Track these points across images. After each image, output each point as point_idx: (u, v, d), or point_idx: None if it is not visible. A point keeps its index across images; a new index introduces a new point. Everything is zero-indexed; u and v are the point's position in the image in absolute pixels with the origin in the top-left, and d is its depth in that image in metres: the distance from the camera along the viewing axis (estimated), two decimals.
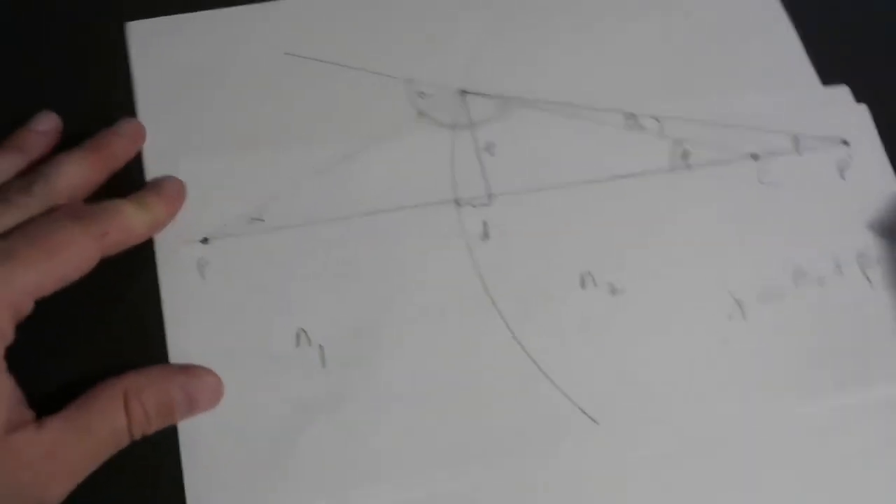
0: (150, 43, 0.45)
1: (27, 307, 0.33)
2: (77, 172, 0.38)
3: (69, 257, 0.34)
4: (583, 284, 0.40)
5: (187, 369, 0.36)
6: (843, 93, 0.46)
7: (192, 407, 0.36)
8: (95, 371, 0.35)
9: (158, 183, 0.40)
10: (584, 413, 0.38)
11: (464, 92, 0.45)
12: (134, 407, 0.34)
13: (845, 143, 0.45)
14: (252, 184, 0.41)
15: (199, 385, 0.36)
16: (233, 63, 0.45)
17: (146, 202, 0.38)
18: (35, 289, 0.33)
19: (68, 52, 0.45)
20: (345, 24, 0.46)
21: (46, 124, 0.41)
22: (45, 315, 0.34)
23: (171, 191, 0.40)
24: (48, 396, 0.34)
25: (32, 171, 0.37)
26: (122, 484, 0.35)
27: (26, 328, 0.34)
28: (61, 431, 0.32)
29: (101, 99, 0.43)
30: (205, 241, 0.40)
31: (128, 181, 0.40)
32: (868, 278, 0.42)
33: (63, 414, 0.33)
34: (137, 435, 0.34)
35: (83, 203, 0.37)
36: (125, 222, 0.36)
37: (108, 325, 0.38)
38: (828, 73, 0.47)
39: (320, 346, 0.38)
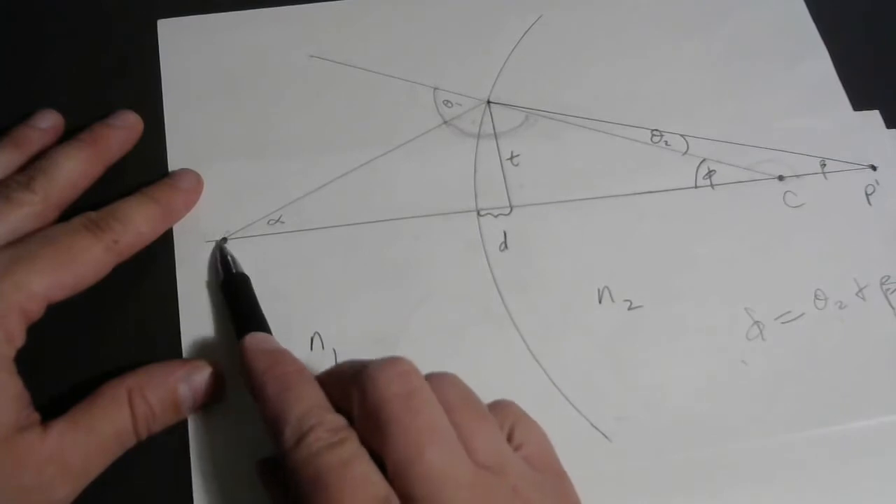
0: (179, 41, 0.45)
1: (38, 312, 0.34)
2: (76, 167, 0.38)
3: (83, 266, 0.35)
4: (600, 299, 0.40)
5: (189, 363, 0.36)
6: (873, 118, 0.46)
7: (196, 400, 0.36)
8: (110, 369, 0.36)
9: (173, 175, 0.41)
10: (597, 429, 0.37)
11: (490, 102, 0.45)
12: (138, 404, 0.34)
13: (873, 168, 0.44)
14: (273, 186, 0.41)
15: (202, 377, 0.36)
16: (260, 64, 0.45)
17: (157, 196, 0.39)
18: (48, 294, 0.34)
19: (98, 48, 0.45)
20: (373, 30, 0.46)
21: (47, 121, 0.41)
22: (62, 313, 0.35)
23: (186, 182, 0.40)
24: (62, 398, 0.34)
25: (31, 167, 0.38)
26: (131, 487, 0.36)
27: (43, 326, 0.34)
28: (66, 433, 0.32)
29: (130, 97, 0.43)
30: (224, 240, 0.40)
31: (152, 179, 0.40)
32: (891, 304, 0.41)
33: (68, 416, 0.33)
34: (143, 433, 0.34)
35: (95, 212, 0.37)
36: (135, 228, 0.37)
37: (124, 323, 0.38)
38: (860, 98, 0.46)
39: (333, 351, 0.38)
